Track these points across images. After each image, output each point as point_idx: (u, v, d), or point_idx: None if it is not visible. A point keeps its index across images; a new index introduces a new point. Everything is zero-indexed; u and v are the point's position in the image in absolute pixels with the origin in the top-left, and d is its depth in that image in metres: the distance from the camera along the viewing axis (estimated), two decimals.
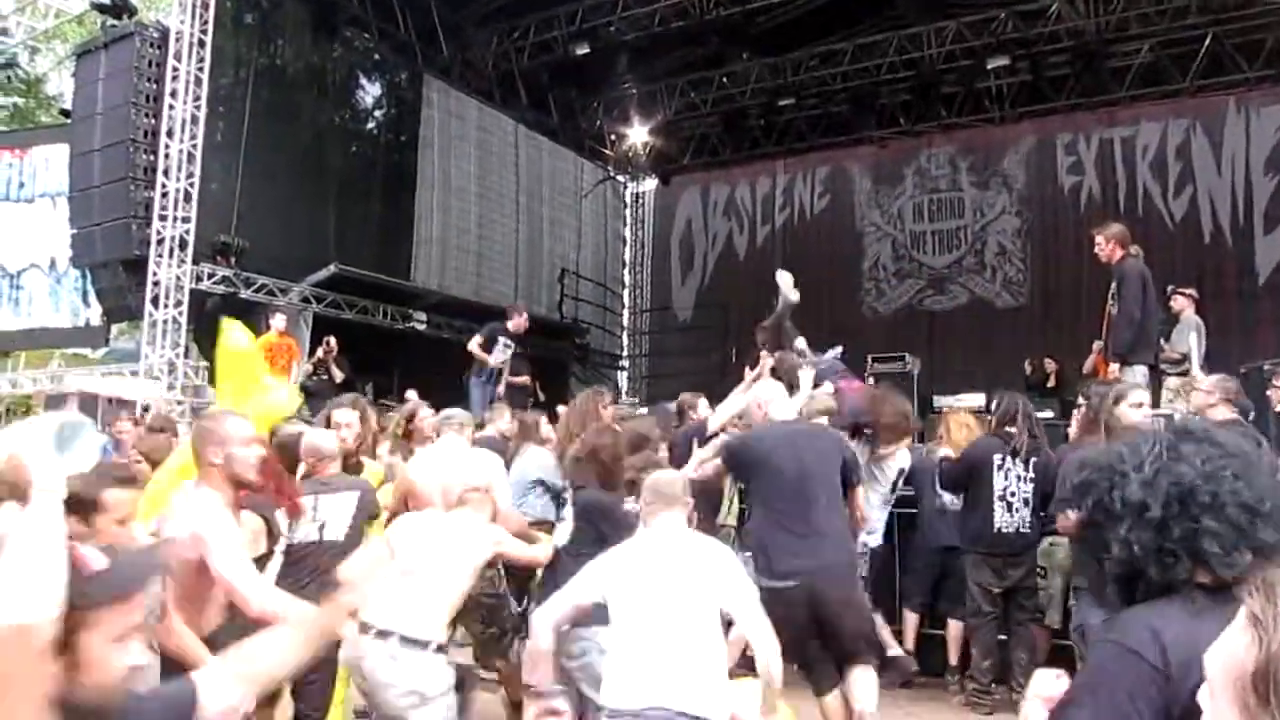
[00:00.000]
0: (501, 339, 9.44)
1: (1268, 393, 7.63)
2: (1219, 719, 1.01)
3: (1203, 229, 13.72)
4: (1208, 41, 12.89)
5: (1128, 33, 13.17)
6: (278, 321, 9.75)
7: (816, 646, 4.04)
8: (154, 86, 10.47)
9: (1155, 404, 6.50)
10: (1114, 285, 6.64)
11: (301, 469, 3.97)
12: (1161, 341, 8.09)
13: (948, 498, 5.64)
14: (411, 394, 7.83)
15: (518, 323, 9.60)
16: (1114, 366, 6.58)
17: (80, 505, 2.34)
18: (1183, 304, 8.03)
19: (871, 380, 9.29)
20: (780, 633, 3.15)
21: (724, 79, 15.62)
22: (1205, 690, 1.05)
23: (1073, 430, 5.43)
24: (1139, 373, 6.44)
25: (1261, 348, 10.25)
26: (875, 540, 5.31)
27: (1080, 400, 5.46)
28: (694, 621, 3.05)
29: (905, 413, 5.47)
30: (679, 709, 2.90)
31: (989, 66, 13.51)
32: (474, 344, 9.44)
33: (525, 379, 10.02)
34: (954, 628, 5.56)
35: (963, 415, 6.33)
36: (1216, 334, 8.53)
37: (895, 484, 5.41)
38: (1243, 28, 12.63)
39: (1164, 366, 7.71)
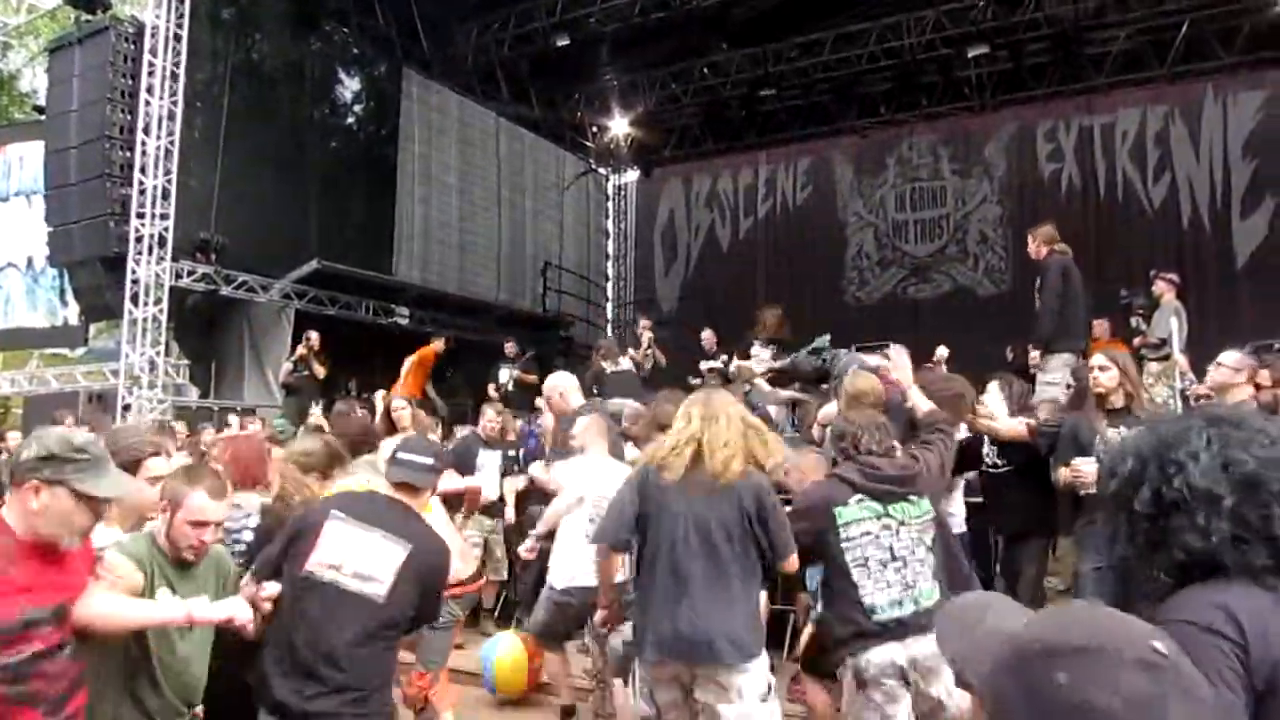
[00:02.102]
0: (505, 367, 11.16)
1: None
2: None
3: (1181, 214, 13.82)
4: (1185, 28, 12.96)
5: (1106, 19, 13.24)
6: (437, 344, 10.68)
7: None
8: (130, 82, 10.33)
9: None
10: (1038, 280, 7.05)
11: None
12: (1142, 326, 8.19)
13: None
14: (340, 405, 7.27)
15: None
16: (1034, 354, 6.90)
17: None
18: (1163, 288, 8.11)
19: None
20: None
21: (705, 70, 15.60)
22: None
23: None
24: (1063, 360, 6.59)
25: (1241, 331, 10.31)
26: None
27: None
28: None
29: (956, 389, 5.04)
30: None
31: (969, 55, 13.51)
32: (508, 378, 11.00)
33: (534, 378, 10.22)
34: None
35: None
36: (1196, 318, 8.57)
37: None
38: (1219, 14, 12.69)
39: (1144, 351, 7.80)
